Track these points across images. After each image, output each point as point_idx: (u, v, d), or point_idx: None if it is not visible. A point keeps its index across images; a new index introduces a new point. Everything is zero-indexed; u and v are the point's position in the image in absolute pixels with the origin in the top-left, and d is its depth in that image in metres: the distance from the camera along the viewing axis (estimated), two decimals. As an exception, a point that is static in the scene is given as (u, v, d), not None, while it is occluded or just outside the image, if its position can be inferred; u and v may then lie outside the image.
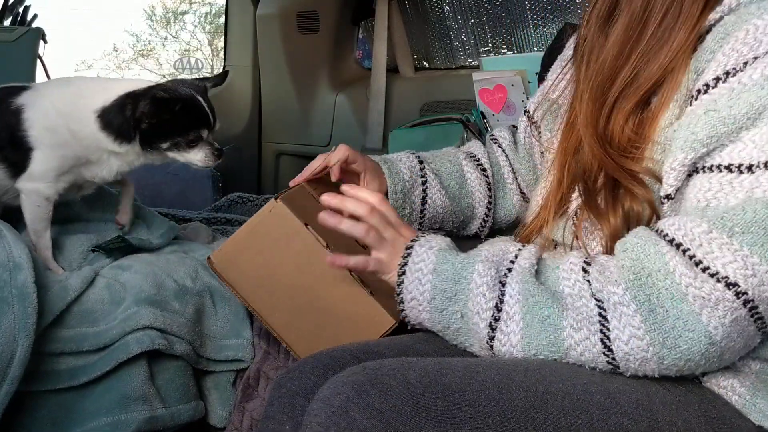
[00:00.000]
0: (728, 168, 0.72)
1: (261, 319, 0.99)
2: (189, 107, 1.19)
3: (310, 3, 2.69)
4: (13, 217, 1.38)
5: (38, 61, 1.99)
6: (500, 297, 0.80)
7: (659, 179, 0.80)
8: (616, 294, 0.74)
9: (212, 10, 5.74)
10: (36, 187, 1.19)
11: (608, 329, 0.74)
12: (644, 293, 0.72)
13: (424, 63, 2.77)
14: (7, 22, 1.95)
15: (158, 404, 1.13)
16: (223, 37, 2.99)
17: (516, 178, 1.16)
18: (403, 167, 1.08)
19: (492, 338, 0.80)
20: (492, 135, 1.20)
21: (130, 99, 1.16)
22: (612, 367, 0.76)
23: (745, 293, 0.69)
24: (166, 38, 5.98)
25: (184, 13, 5.96)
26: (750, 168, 0.70)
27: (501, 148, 1.18)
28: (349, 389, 0.69)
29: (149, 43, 5.97)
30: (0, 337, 1.03)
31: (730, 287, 0.69)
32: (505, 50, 2.46)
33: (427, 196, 1.09)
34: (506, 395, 0.71)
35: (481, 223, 1.15)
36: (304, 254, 0.94)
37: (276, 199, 0.95)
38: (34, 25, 1.99)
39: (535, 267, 0.82)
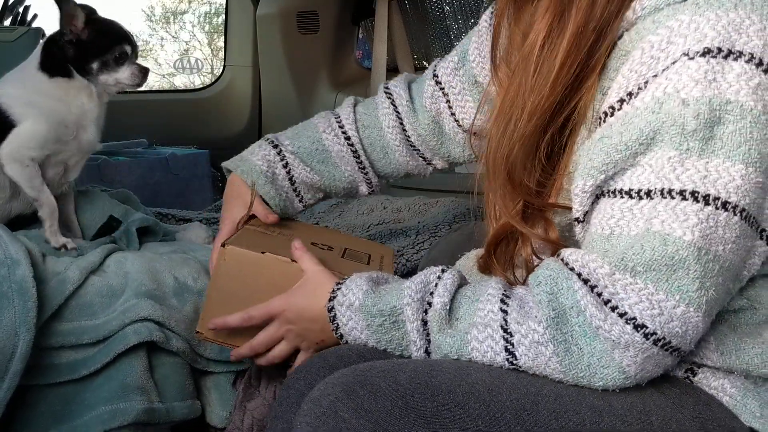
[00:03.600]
0: (628, 193, 0.70)
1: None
2: (104, 25, 1.27)
3: (310, 3, 2.70)
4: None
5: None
6: (427, 340, 0.81)
7: (568, 207, 0.79)
8: (536, 332, 0.73)
9: (212, 9, 5.74)
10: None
11: (517, 368, 0.74)
12: (561, 332, 0.72)
13: (424, 63, 2.77)
14: (7, 22, 1.96)
15: (155, 397, 1.13)
16: (223, 36, 2.99)
17: (408, 139, 1.12)
18: (257, 159, 1.08)
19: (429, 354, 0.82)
20: (387, 88, 1.16)
21: (50, 39, 1.26)
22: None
23: (654, 333, 0.68)
24: (163, 39, 5.98)
25: (183, 13, 5.96)
26: (648, 194, 0.68)
27: (394, 105, 1.13)
28: (338, 390, 0.69)
29: (147, 43, 5.97)
30: (1, 332, 1.03)
31: (639, 329, 0.68)
32: (505, 50, 2.46)
33: (292, 176, 1.10)
34: (496, 396, 0.71)
35: (368, 186, 1.15)
36: (276, 278, 0.95)
37: (223, 246, 0.97)
38: (34, 25, 1.99)
39: (449, 305, 0.80)
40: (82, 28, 1.23)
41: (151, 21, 5.96)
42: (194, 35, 6.01)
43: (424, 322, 0.80)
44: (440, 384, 0.71)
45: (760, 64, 0.65)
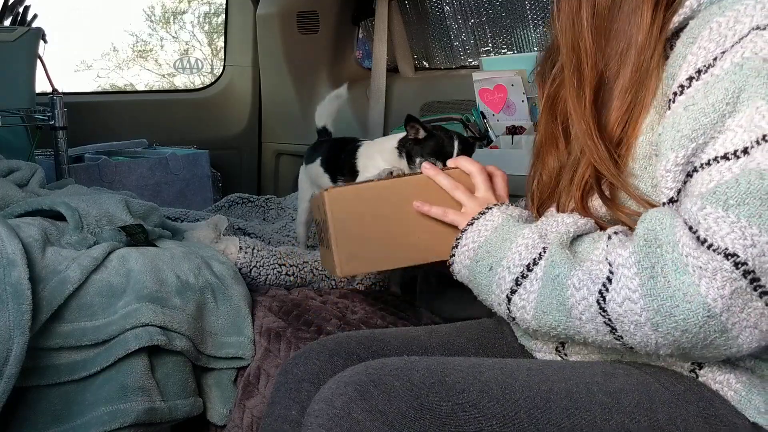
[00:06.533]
0: (725, 157, 0.70)
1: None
2: (432, 136, 1.57)
3: (310, 3, 2.70)
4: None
5: (38, 61, 1.99)
6: (535, 260, 0.82)
7: (647, 202, 0.80)
8: (621, 256, 0.73)
9: (212, 9, 5.74)
10: None
11: (607, 290, 0.74)
12: (649, 260, 0.71)
13: (424, 63, 2.77)
14: (7, 22, 1.95)
15: (157, 396, 1.12)
16: (223, 36, 3.00)
17: None
18: None
19: (513, 292, 0.83)
20: None
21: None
22: (610, 329, 0.74)
23: (745, 263, 0.66)
24: (163, 39, 5.98)
25: (183, 12, 5.96)
26: (745, 151, 0.68)
27: None
28: (351, 390, 0.68)
29: (147, 44, 5.97)
30: (-5, 336, 1.02)
31: (729, 257, 0.66)
32: (505, 50, 2.46)
33: None
34: (510, 395, 0.71)
35: None
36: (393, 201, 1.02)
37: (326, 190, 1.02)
38: (34, 25, 1.99)
39: (571, 234, 0.83)
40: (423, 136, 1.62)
41: (151, 21, 5.96)
42: (194, 35, 6.00)
43: (544, 249, 0.83)
44: (454, 383, 0.71)
45: None
